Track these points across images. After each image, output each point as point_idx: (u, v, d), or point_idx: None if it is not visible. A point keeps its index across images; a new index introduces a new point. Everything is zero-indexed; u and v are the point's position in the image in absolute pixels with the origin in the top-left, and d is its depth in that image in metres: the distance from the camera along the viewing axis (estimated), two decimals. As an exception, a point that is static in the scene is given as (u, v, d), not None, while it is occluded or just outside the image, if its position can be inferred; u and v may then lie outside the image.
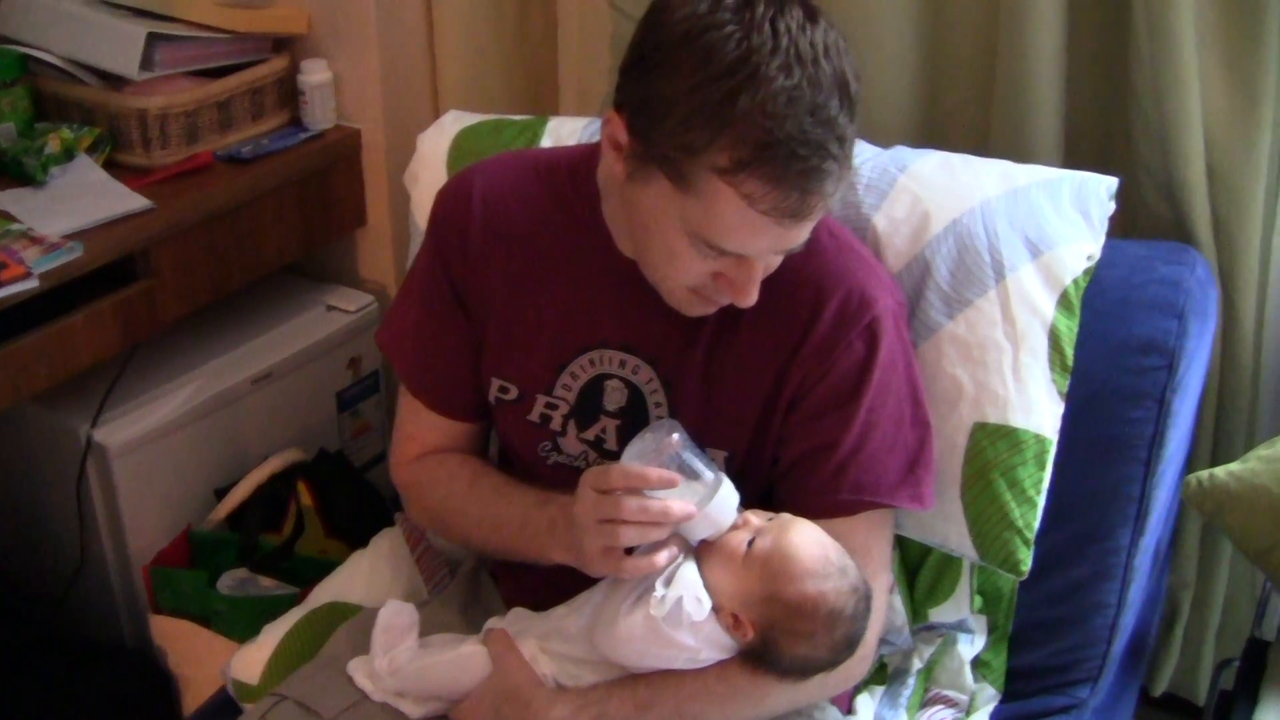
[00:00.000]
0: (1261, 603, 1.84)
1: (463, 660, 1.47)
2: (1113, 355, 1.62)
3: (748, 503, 1.44)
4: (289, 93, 2.21)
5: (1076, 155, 1.87)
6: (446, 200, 1.56)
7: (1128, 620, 1.69)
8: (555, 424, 1.52)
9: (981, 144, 1.87)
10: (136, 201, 1.96)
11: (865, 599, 1.38)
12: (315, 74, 2.19)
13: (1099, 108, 1.85)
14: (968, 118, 1.91)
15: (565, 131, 1.81)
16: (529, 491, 1.51)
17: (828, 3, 1.80)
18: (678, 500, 1.34)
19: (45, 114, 2.11)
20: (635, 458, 1.36)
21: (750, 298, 1.35)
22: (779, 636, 1.36)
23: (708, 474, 1.37)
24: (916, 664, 1.66)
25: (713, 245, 1.29)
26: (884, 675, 1.67)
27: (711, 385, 1.45)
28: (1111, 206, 1.61)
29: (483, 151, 1.74)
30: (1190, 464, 1.87)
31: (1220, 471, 1.66)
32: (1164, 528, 1.76)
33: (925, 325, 1.54)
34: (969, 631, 1.67)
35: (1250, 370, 1.83)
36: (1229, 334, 1.81)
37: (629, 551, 1.35)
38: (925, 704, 1.64)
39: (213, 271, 2.05)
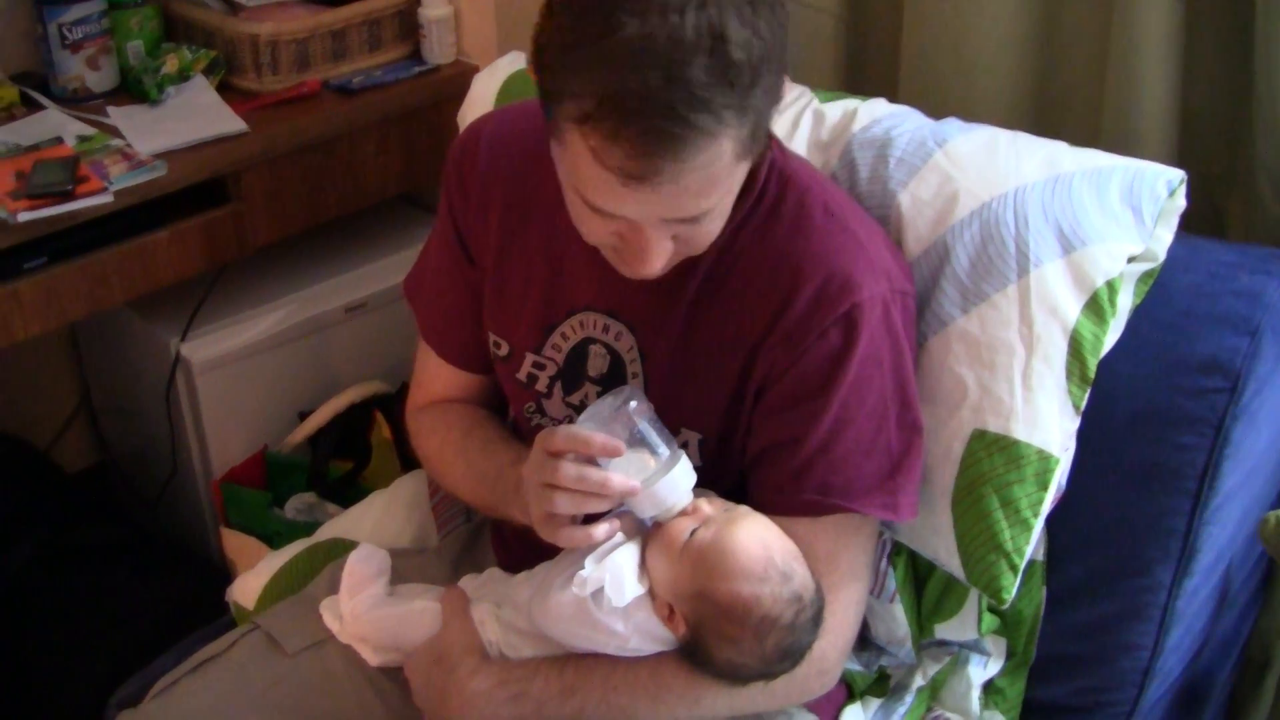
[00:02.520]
0: (1349, 664, 1.63)
1: (414, 615, 1.45)
2: (1167, 372, 1.44)
3: (722, 493, 1.37)
4: (410, 26, 2.21)
5: (1193, 148, 1.68)
6: (458, 144, 1.52)
7: (1169, 666, 1.52)
8: (541, 385, 1.46)
9: (1093, 133, 1.70)
10: (231, 124, 2.01)
11: (811, 609, 1.27)
12: (435, 8, 2.18)
13: (1219, 97, 1.65)
14: (1078, 102, 1.73)
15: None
16: (512, 448, 1.47)
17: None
18: (620, 474, 1.27)
19: (173, 35, 2.18)
20: (590, 421, 1.30)
21: (646, 268, 1.24)
22: (708, 636, 1.28)
23: (662, 450, 1.29)
24: (918, 680, 1.54)
25: (586, 202, 1.20)
26: (885, 687, 1.55)
27: (685, 360, 1.36)
28: (1178, 203, 1.42)
29: (529, 95, 1.69)
30: (1290, 503, 1.67)
31: (1301, 512, 1.47)
32: (1230, 570, 1.57)
33: (937, 318, 1.40)
34: (983, 654, 1.54)
35: (1365, 403, 1.60)
36: (1341, 359, 1.59)
37: (589, 520, 1.30)
38: (923, 724, 1.53)
39: (306, 199, 2.08)
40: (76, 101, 2.08)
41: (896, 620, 1.51)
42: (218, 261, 2.02)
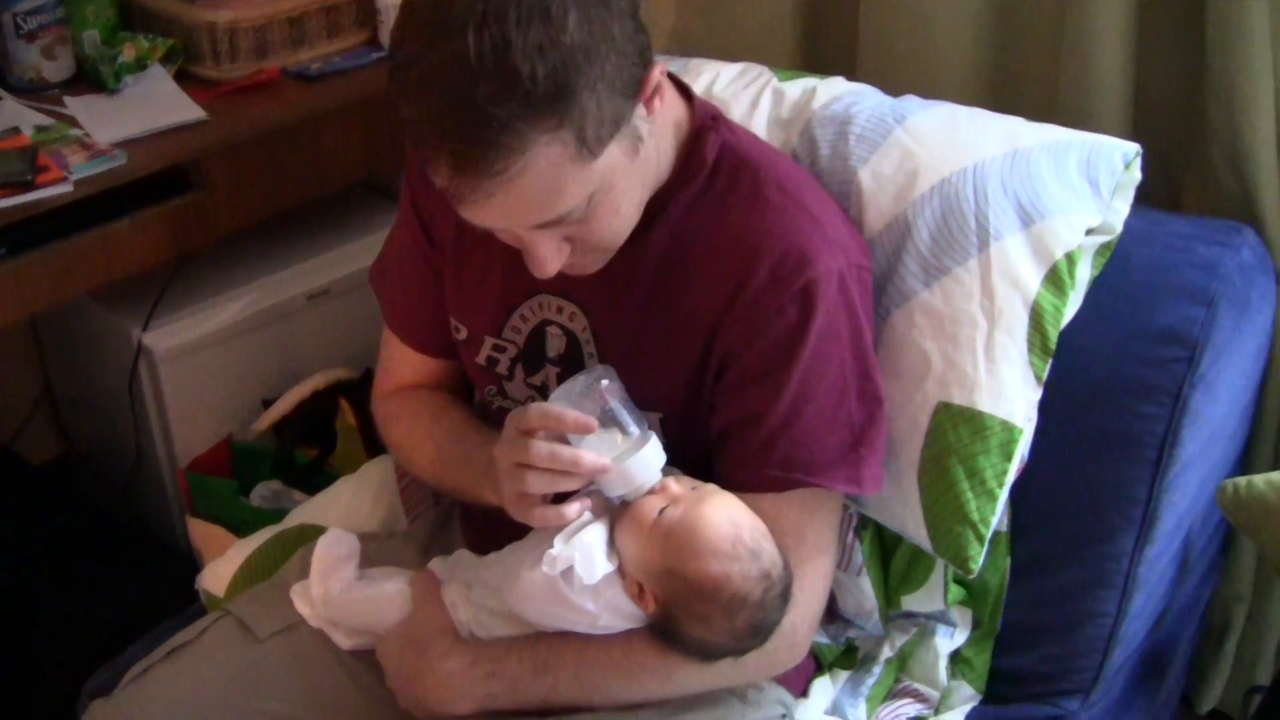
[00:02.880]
0: (1306, 627, 1.66)
1: (386, 598, 1.46)
2: (1127, 342, 1.47)
3: (687, 472, 1.38)
4: (368, 12, 2.20)
5: (1148, 123, 1.71)
6: None
7: (1131, 632, 1.55)
8: (502, 367, 1.47)
9: (1049, 109, 1.72)
10: (190, 113, 1.99)
11: (780, 586, 1.29)
12: (393, -7, 2.17)
13: (1173, 73, 1.68)
14: (1035, 78, 1.75)
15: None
16: (480, 431, 1.47)
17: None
18: (591, 452, 1.27)
19: (130, 24, 2.16)
20: (561, 399, 1.30)
21: (539, 271, 1.26)
22: (678, 614, 1.29)
23: (633, 429, 1.29)
24: (886, 652, 1.56)
25: None
26: (853, 659, 1.57)
27: (642, 342, 1.37)
28: (1134, 176, 1.45)
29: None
30: (1246, 470, 1.69)
31: (1259, 479, 1.49)
32: (1190, 536, 1.60)
33: (900, 292, 1.42)
34: (950, 624, 1.56)
35: (1320, 370, 1.64)
36: (1296, 327, 1.62)
37: (560, 499, 1.30)
38: (892, 695, 1.54)
39: (268, 187, 2.07)
40: (33, 91, 2.06)
41: (864, 593, 1.53)
42: (180, 250, 2.01)
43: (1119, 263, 1.48)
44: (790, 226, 1.32)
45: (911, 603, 1.54)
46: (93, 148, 1.91)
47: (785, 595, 1.30)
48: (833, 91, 1.55)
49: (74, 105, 2.02)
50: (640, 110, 1.22)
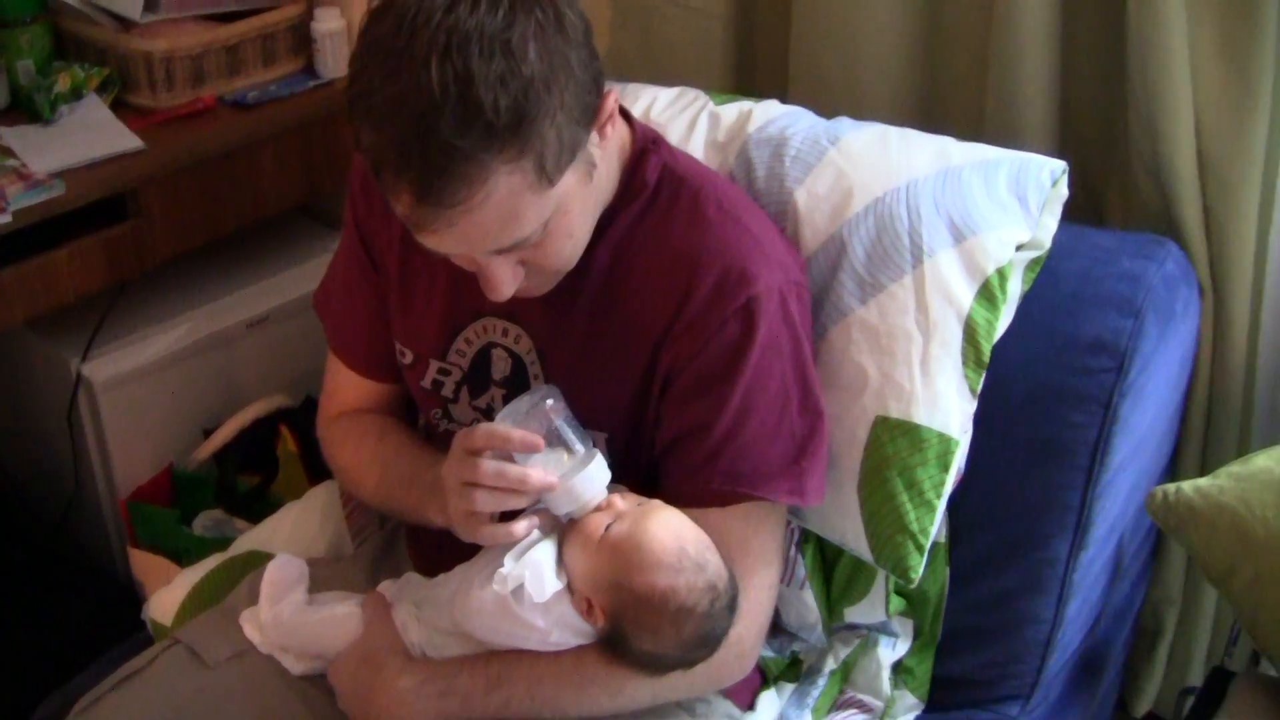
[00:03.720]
0: (1234, 629, 1.70)
1: (336, 620, 1.46)
2: (1057, 353, 1.51)
3: (633, 489, 1.40)
4: (303, 40, 2.21)
5: (1072, 139, 1.75)
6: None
7: (1068, 637, 1.58)
8: (447, 390, 1.48)
9: (977, 124, 1.77)
10: (127, 142, 1.99)
11: (726, 597, 1.31)
12: (328, 21, 2.18)
13: (1096, 90, 1.72)
14: (963, 96, 1.80)
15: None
16: (425, 452, 1.49)
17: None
18: (538, 469, 1.29)
19: (64, 53, 2.15)
20: (507, 418, 1.32)
21: (494, 294, 1.29)
22: (626, 627, 1.31)
23: (578, 446, 1.32)
24: (830, 664, 1.58)
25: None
26: (797, 671, 1.60)
27: (586, 362, 1.40)
28: (1060, 193, 1.50)
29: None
30: (1174, 476, 1.74)
31: (1187, 486, 1.54)
32: (1122, 541, 1.64)
33: (836, 309, 1.45)
34: (892, 635, 1.59)
35: (1242, 376, 1.69)
36: (1219, 336, 1.67)
37: (507, 518, 1.32)
38: (837, 706, 1.56)
39: (206, 214, 2.07)
40: (-33, 123, 2.06)
41: (807, 606, 1.56)
42: (118, 279, 2.00)
43: (1047, 276, 1.52)
44: (731, 244, 1.35)
45: (854, 614, 1.57)
46: (30, 178, 1.90)
47: (732, 606, 1.32)
48: (768, 114, 1.58)
49: (9, 135, 2.01)
50: (594, 136, 1.26)
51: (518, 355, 1.44)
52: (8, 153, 1.97)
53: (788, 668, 1.60)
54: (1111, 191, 1.78)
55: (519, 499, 1.29)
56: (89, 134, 2.02)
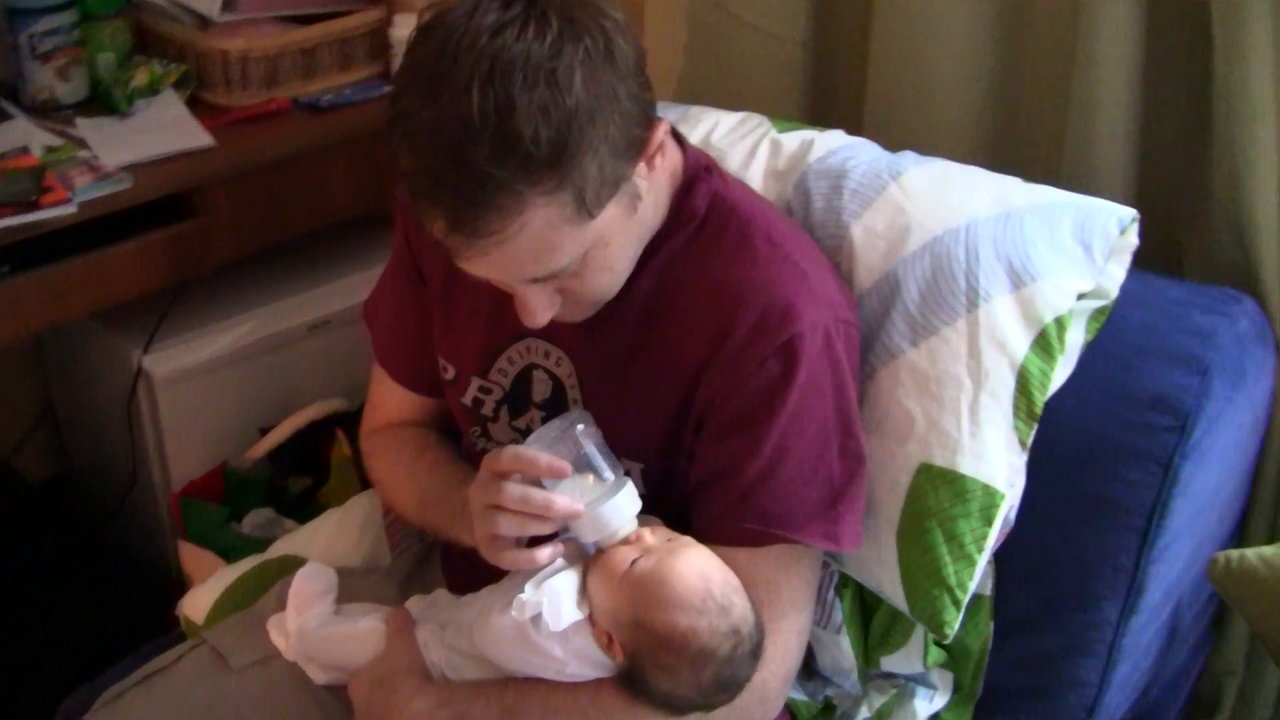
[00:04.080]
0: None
1: (359, 635, 1.45)
2: (1117, 408, 1.45)
3: (667, 523, 1.37)
4: (381, 45, 2.21)
5: (1153, 185, 1.69)
6: None
7: (1115, 702, 1.52)
8: (487, 409, 1.46)
9: (1053, 167, 1.71)
10: (198, 139, 2.01)
11: (750, 642, 1.27)
12: (406, 27, 2.16)
13: (1178, 134, 1.66)
14: (1040, 137, 1.74)
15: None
16: (460, 470, 1.47)
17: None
18: (564, 496, 1.27)
19: (145, 48, 2.18)
20: (537, 443, 1.30)
21: (528, 320, 1.27)
22: (645, 665, 1.27)
23: (608, 474, 1.29)
24: (864, 712, 1.53)
25: None
26: (830, 717, 1.55)
27: (624, 389, 1.36)
28: (1129, 241, 1.43)
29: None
30: (1241, 543, 1.67)
31: (1251, 553, 1.46)
32: (1179, 608, 1.57)
33: (887, 350, 1.40)
34: (930, 687, 1.54)
35: (1318, 442, 1.61)
36: (1294, 398, 1.60)
37: (535, 543, 1.29)
38: (868, 756, 1.52)
39: (273, 215, 2.08)
40: (46, 112, 2.08)
41: (842, 651, 1.51)
42: (181, 276, 2.02)
43: (1112, 327, 1.46)
44: (776, 279, 1.31)
45: (891, 663, 1.52)
46: (99, 170, 1.92)
47: (756, 652, 1.28)
48: (829, 144, 1.54)
49: (84, 127, 2.04)
50: (641, 168, 1.23)
51: (558, 378, 1.41)
52: (81, 144, 1.99)
53: (820, 713, 1.55)
54: (1191, 242, 1.71)
55: (543, 525, 1.27)
56: (162, 130, 2.04)
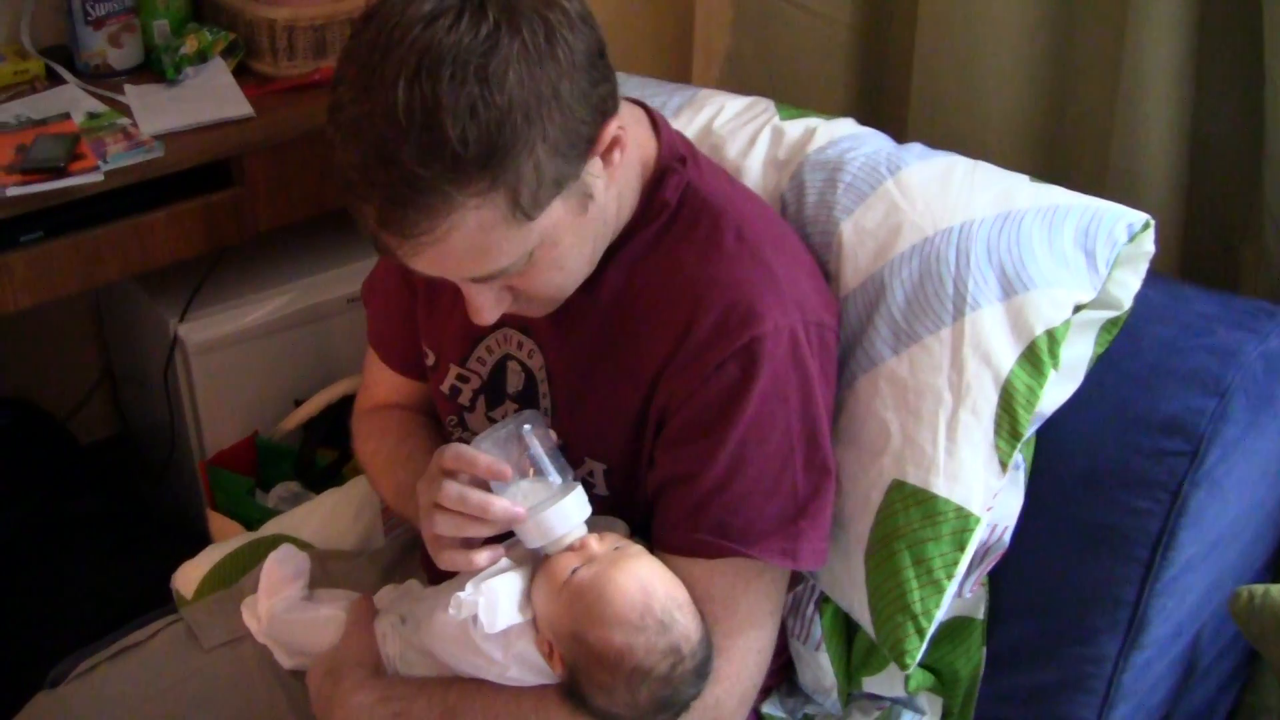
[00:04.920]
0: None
1: (320, 623, 1.43)
2: (1125, 430, 1.35)
3: (632, 526, 1.32)
4: (433, 16, 2.17)
5: (1207, 189, 1.57)
6: None
7: (1116, 743, 1.42)
8: (464, 398, 1.42)
9: (1100, 179, 1.59)
10: (238, 109, 1.99)
11: (692, 662, 1.21)
12: None
13: (1232, 136, 1.53)
14: (1088, 148, 1.62)
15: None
16: None
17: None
18: (503, 499, 1.22)
19: (200, 15, 2.17)
20: (486, 441, 1.25)
21: (475, 317, 1.22)
22: (581, 680, 1.22)
23: (554, 478, 1.24)
24: (845, 733, 1.46)
25: None
26: (811, 736, 1.48)
27: (589, 386, 1.31)
28: (1143, 249, 1.31)
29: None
30: (1274, 579, 1.54)
31: (1276, 589, 1.35)
32: (1197, 644, 1.46)
33: (868, 356, 1.32)
34: (917, 711, 1.46)
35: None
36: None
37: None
38: (847, 780, 1.45)
39: (311, 187, 2.05)
40: (98, 78, 2.09)
41: (822, 669, 1.43)
42: (217, 244, 2.01)
43: (1128, 341, 1.36)
44: (741, 278, 1.23)
45: (873, 685, 1.44)
46: (133, 138, 1.92)
47: (700, 671, 1.22)
48: (832, 134, 1.45)
49: (132, 94, 2.04)
50: (594, 165, 1.16)
51: (530, 370, 1.36)
52: (125, 111, 2.00)
53: (800, 731, 1.48)
54: (1248, 252, 1.59)
55: (482, 527, 1.22)
56: (205, 98, 2.03)
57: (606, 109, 1.15)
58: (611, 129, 1.16)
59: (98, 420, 2.53)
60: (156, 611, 1.67)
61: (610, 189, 1.21)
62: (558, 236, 1.17)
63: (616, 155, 1.18)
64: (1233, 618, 1.38)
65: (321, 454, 2.10)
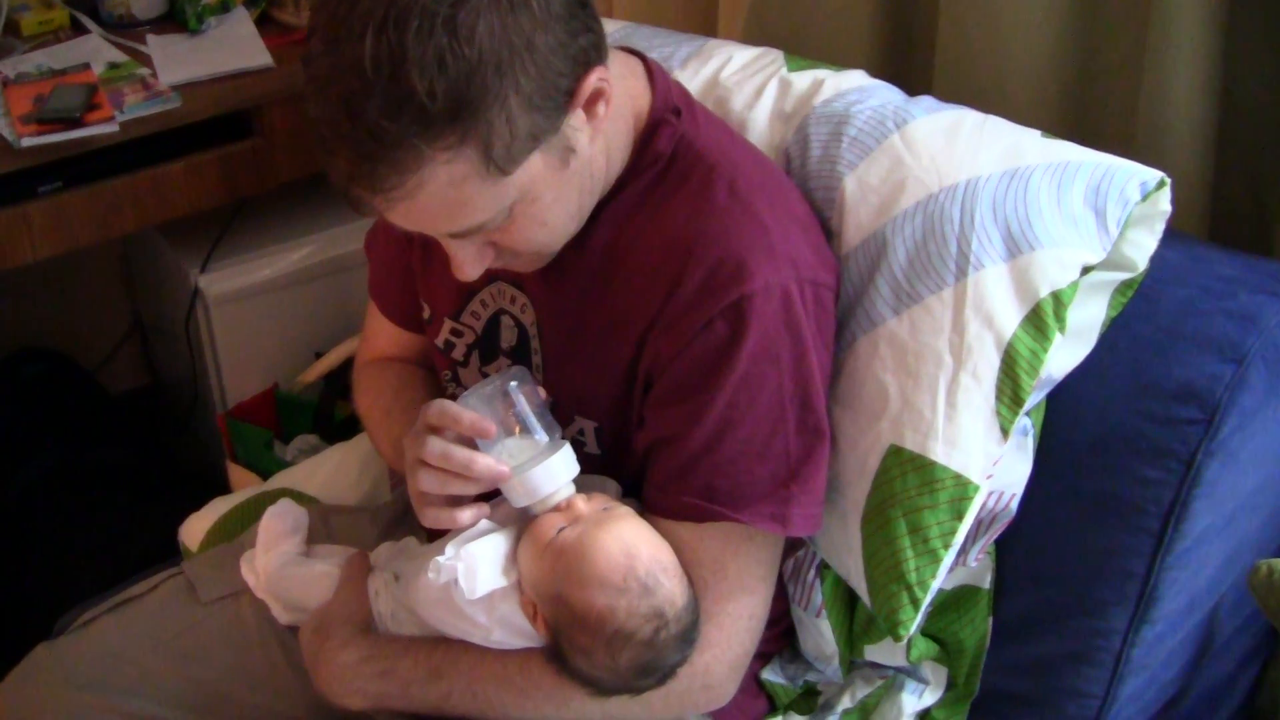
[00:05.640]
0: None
1: (314, 578, 1.41)
2: (1137, 396, 1.29)
3: (624, 486, 1.29)
4: (459, -34, 2.14)
5: (1242, 145, 1.50)
6: None
7: (1124, 716, 1.37)
8: (458, 353, 1.40)
9: (1128, 140, 1.53)
10: (257, 59, 1.98)
11: (676, 626, 1.18)
12: (482, -52, 2.10)
13: (1266, 96, 1.46)
14: (1116, 109, 1.56)
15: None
16: None
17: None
18: (487, 457, 1.19)
19: (226, -36, 2.16)
20: (473, 397, 1.23)
21: (460, 274, 1.19)
22: (562, 642, 1.20)
23: (541, 435, 1.21)
24: (845, 702, 1.43)
25: None
26: (813, 703, 1.45)
27: (576, 342, 1.28)
28: (1158, 208, 1.25)
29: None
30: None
31: (1293, 563, 1.30)
32: (1215, 618, 1.41)
33: (868, 316, 1.27)
34: (921, 681, 1.42)
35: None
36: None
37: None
38: (848, 749, 1.42)
39: (332, 138, 2.04)
40: (122, 28, 2.08)
41: (823, 636, 1.40)
42: (234, 195, 2.00)
43: (1144, 303, 1.30)
44: (732, 233, 1.19)
45: (874, 653, 1.40)
46: (151, 88, 1.91)
47: (685, 637, 1.19)
48: (840, 86, 1.40)
49: (153, 44, 2.04)
50: (575, 119, 1.13)
51: (523, 325, 1.33)
52: (145, 62, 1.99)
53: (801, 698, 1.45)
54: (1280, 214, 1.52)
55: (465, 484, 1.20)
56: (226, 49, 2.02)
57: (588, 60, 1.12)
58: (592, 81, 1.12)
59: (128, 371, 2.54)
60: (161, 564, 1.68)
61: (596, 142, 1.18)
62: (537, 192, 1.13)
63: (601, 108, 1.14)
64: (1250, 592, 1.33)
65: (341, 407, 2.09)
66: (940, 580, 1.24)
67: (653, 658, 1.18)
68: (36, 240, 1.87)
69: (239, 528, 1.62)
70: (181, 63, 1.98)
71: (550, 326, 1.30)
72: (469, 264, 1.19)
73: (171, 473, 2.29)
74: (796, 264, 1.21)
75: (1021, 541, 1.34)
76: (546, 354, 1.31)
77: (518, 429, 1.21)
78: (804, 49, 1.56)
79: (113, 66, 1.97)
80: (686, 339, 1.19)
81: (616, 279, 1.25)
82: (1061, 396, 1.30)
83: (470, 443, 1.21)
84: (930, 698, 1.42)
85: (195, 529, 1.66)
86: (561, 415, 1.28)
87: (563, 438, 1.24)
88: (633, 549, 1.18)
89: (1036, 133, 1.32)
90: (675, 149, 1.24)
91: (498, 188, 1.10)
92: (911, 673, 1.42)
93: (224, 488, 2.18)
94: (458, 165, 1.06)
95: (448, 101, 1.03)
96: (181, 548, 1.68)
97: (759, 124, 1.41)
